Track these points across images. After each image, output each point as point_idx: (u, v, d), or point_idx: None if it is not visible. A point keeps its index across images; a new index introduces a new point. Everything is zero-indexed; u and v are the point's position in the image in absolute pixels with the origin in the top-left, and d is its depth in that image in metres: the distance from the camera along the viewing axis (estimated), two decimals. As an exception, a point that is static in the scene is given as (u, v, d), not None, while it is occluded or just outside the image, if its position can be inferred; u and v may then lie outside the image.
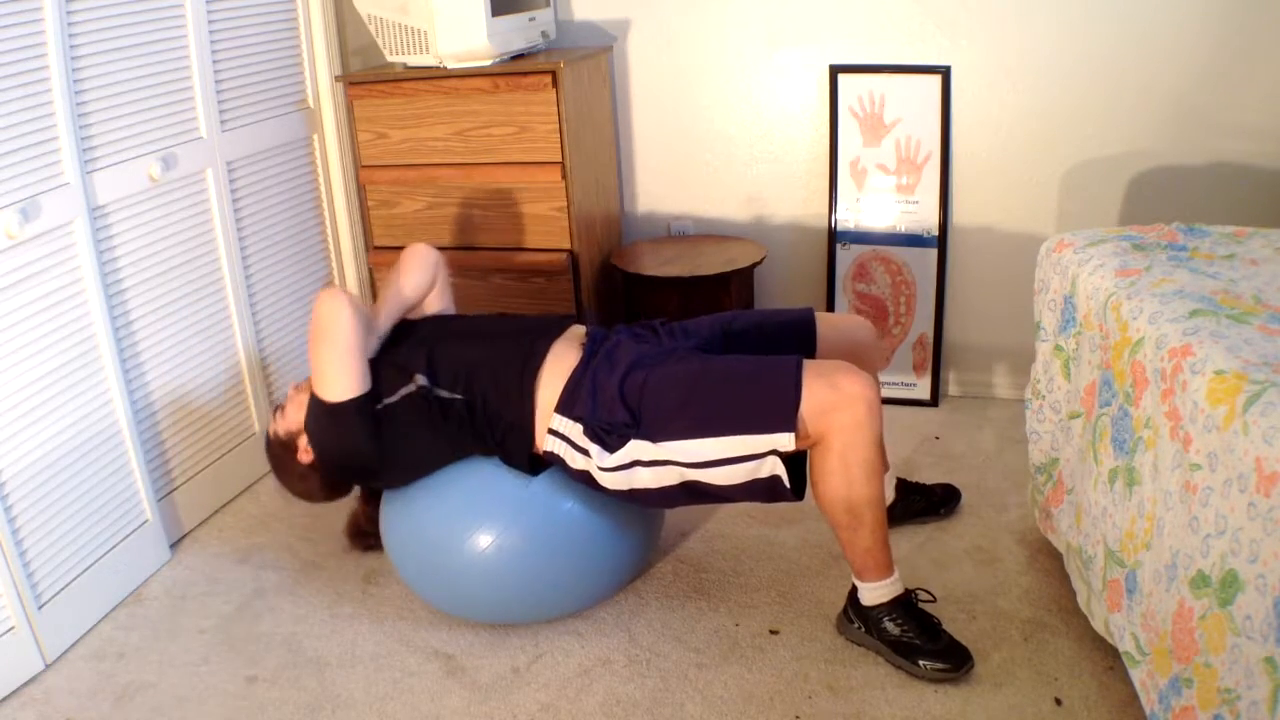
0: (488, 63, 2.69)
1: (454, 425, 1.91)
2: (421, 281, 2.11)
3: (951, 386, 3.03)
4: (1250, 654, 1.25)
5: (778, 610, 2.07)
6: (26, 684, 2.01)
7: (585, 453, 1.83)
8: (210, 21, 2.45)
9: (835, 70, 2.82)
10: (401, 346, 2.01)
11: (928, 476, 2.51)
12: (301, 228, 2.87)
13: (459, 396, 1.90)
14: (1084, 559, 1.82)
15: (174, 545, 2.47)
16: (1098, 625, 1.78)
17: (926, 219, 2.85)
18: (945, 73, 2.73)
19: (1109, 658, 1.84)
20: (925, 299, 2.90)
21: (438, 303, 2.19)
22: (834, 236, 2.94)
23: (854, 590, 1.91)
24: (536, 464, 1.93)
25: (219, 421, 2.60)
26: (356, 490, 2.19)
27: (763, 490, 1.77)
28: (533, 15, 2.79)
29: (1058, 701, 1.77)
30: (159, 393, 2.40)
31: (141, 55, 2.27)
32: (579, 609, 2.08)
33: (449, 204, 2.82)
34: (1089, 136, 2.69)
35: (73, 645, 2.12)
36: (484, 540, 1.90)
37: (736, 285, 2.77)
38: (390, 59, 2.78)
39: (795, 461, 1.78)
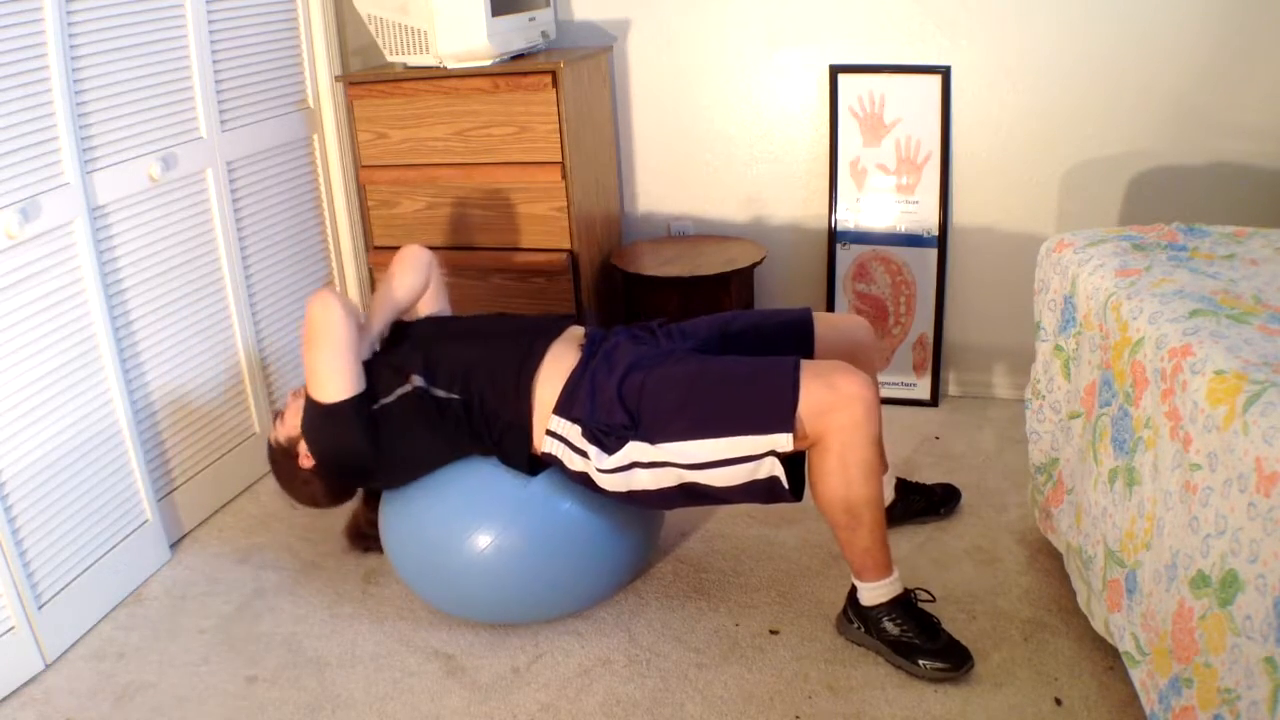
0: (488, 63, 2.69)
1: (451, 425, 1.91)
2: (414, 283, 2.11)
3: (951, 386, 3.03)
4: (1250, 654, 1.25)
5: (778, 610, 2.07)
6: (26, 684, 2.01)
7: (583, 454, 1.83)
8: (210, 21, 2.45)
9: (835, 70, 2.82)
10: (397, 348, 2.01)
11: (928, 476, 2.51)
12: (301, 228, 2.87)
13: (456, 396, 1.90)
14: (1084, 559, 1.82)
15: (174, 545, 2.47)
16: (1098, 625, 1.78)
17: (926, 219, 2.85)
18: (945, 73, 2.73)
19: (1109, 658, 1.84)
20: (925, 299, 2.90)
21: (433, 304, 2.19)
22: (834, 236, 2.94)
23: (853, 590, 1.91)
24: (535, 464, 1.93)
25: (219, 421, 2.60)
26: (360, 493, 2.19)
27: (761, 491, 1.77)
28: (533, 15, 2.79)
29: (1058, 701, 1.77)
30: (159, 393, 2.40)
31: (141, 55, 2.27)
32: (579, 609, 2.08)
33: (449, 204, 2.82)
34: (1089, 136, 2.69)
35: (73, 645, 2.12)
36: (483, 540, 1.90)
37: (736, 285, 2.77)
38: (390, 59, 2.78)
39: (794, 462, 1.78)
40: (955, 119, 2.78)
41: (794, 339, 2.02)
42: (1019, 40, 2.66)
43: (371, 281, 3.04)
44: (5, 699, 1.97)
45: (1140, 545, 1.57)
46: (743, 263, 2.76)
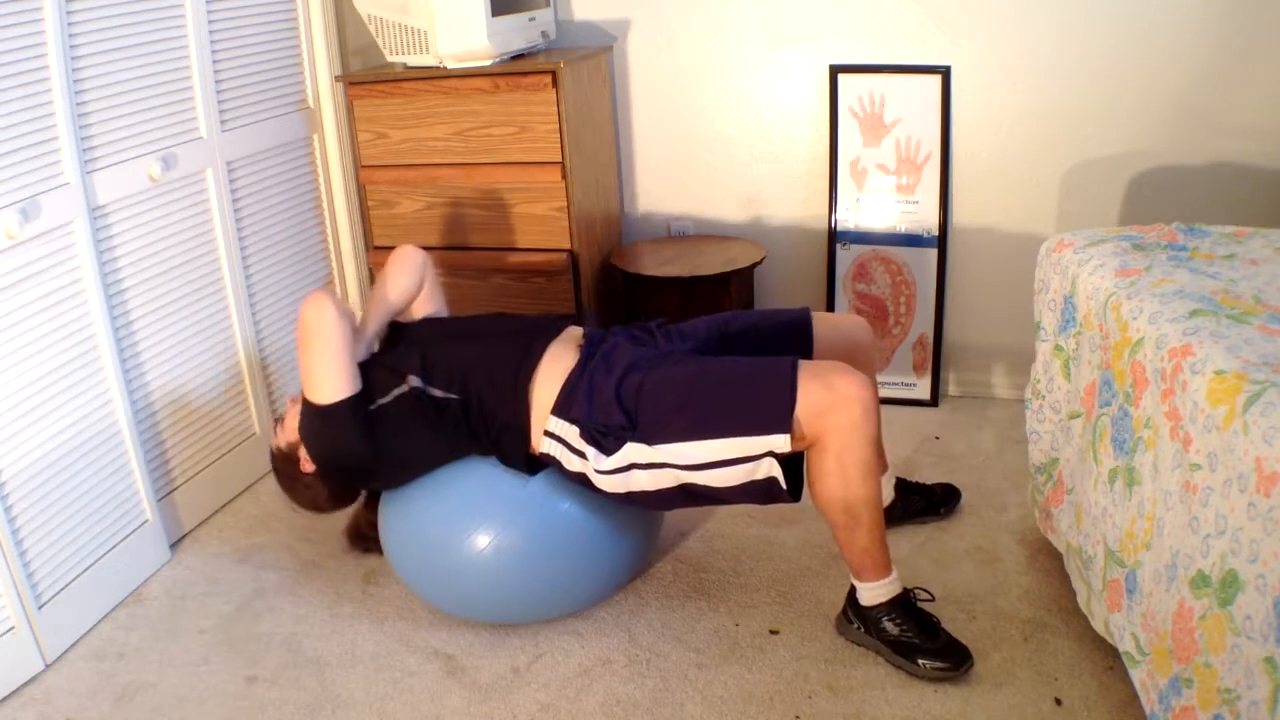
0: (488, 63, 2.69)
1: (450, 425, 1.91)
2: (408, 284, 2.11)
3: (951, 386, 3.03)
4: (1250, 654, 1.25)
5: (778, 610, 2.07)
6: (26, 684, 2.01)
7: (582, 455, 1.83)
8: (210, 21, 2.45)
9: (835, 70, 2.82)
10: (394, 349, 2.01)
11: (928, 476, 2.51)
12: (301, 228, 2.87)
13: (454, 396, 1.90)
14: (1084, 559, 1.82)
15: (174, 545, 2.47)
16: (1098, 625, 1.78)
17: (926, 219, 2.85)
18: (945, 73, 2.73)
19: (1109, 658, 1.84)
20: (925, 299, 2.90)
21: (429, 305, 2.18)
22: (834, 236, 2.94)
23: (853, 590, 1.91)
24: (534, 464, 1.93)
25: (219, 421, 2.60)
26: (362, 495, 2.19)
27: (759, 492, 1.77)
28: (533, 15, 2.79)
29: (1058, 701, 1.77)
30: (159, 393, 2.40)
31: (141, 55, 2.27)
32: (579, 609, 2.08)
33: (449, 204, 2.82)
34: (1089, 136, 2.69)
35: (73, 645, 2.12)
36: (482, 540, 1.90)
37: (736, 285, 2.77)
38: (390, 59, 2.78)
39: (793, 462, 1.78)
40: (955, 119, 2.78)
41: (793, 339, 2.02)
42: (1019, 40, 2.66)
43: (372, 281, 3.05)
44: (5, 699, 1.97)
45: (1140, 545, 1.57)
46: (743, 263, 2.76)
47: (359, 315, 2.16)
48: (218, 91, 2.50)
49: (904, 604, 1.87)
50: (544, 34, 2.87)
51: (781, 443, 1.71)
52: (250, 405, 2.70)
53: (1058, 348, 1.96)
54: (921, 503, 2.32)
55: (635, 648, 2.00)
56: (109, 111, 2.19)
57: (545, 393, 1.87)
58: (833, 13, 2.78)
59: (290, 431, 2.02)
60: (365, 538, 2.22)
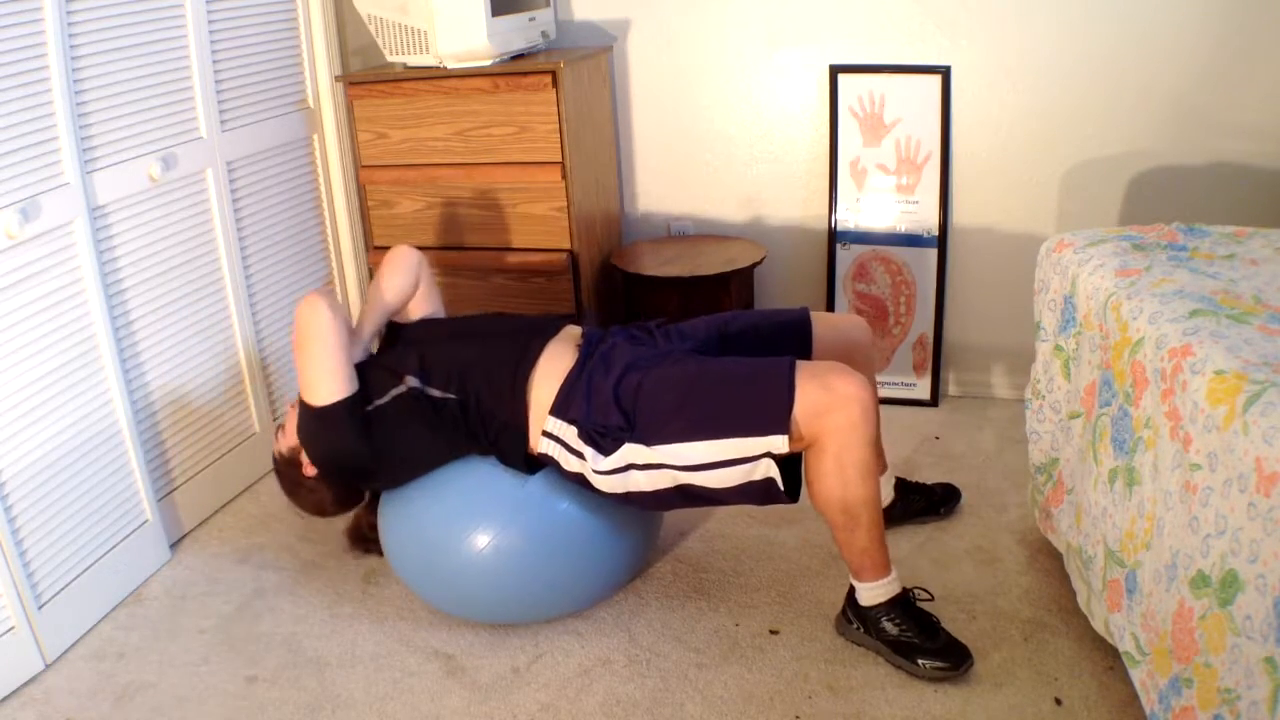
0: (488, 63, 2.69)
1: (449, 425, 1.91)
2: (403, 285, 2.10)
3: (951, 386, 3.03)
4: (1250, 654, 1.25)
5: (778, 610, 2.07)
6: (26, 684, 2.01)
7: (580, 455, 1.83)
8: (210, 21, 2.45)
9: (835, 70, 2.82)
10: (392, 349, 2.01)
11: (928, 476, 2.51)
12: (301, 228, 2.87)
13: (452, 396, 1.90)
14: (1084, 559, 1.82)
15: (174, 545, 2.47)
16: (1098, 625, 1.78)
17: (926, 219, 2.85)
18: (945, 73, 2.73)
19: (1109, 658, 1.84)
20: (925, 299, 2.90)
21: (425, 305, 2.18)
22: (834, 236, 2.94)
23: (852, 590, 1.91)
24: (533, 463, 1.93)
25: (219, 421, 2.60)
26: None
27: (757, 493, 1.77)
28: (533, 15, 2.79)
29: (1058, 701, 1.77)
30: (159, 393, 2.40)
31: (141, 55, 2.26)
32: (578, 609, 2.08)
33: (449, 204, 2.82)
34: (1089, 136, 2.69)
35: (73, 645, 2.12)
36: (481, 540, 1.90)
37: (736, 285, 2.77)
38: (390, 59, 2.78)
39: (791, 462, 1.78)
40: (955, 119, 2.78)
41: (792, 339, 2.02)
42: (1019, 40, 2.66)
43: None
44: (5, 699, 1.97)
45: (1140, 545, 1.57)
46: (743, 263, 2.76)
47: (356, 317, 2.16)
48: (218, 91, 2.50)
49: (903, 604, 1.87)
50: (544, 34, 2.87)
51: (779, 443, 1.71)
52: (250, 405, 2.70)
53: (1058, 348, 1.96)
54: (921, 503, 2.32)
55: (635, 648, 2.00)
56: (109, 111, 2.19)
57: (543, 393, 1.87)
58: (833, 13, 2.79)
59: (291, 436, 2.02)
60: (366, 539, 2.21)
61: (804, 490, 1.82)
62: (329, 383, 1.88)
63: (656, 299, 2.76)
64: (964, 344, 2.97)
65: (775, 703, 1.82)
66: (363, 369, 1.95)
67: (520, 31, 2.74)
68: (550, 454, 1.87)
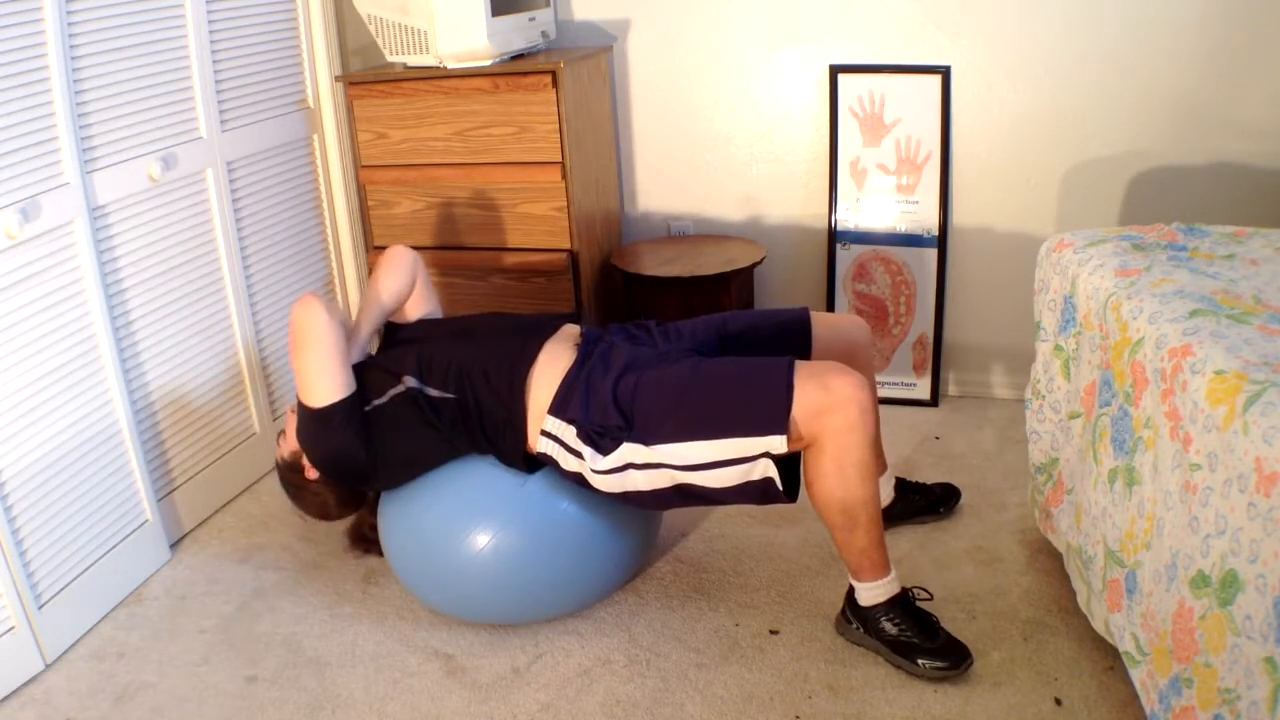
0: (488, 63, 2.69)
1: (447, 424, 1.91)
2: (399, 284, 2.10)
3: (951, 386, 3.03)
4: (1250, 654, 1.25)
5: (778, 610, 2.07)
6: (26, 684, 2.01)
7: (578, 455, 1.83)
8: (210, 21, 2.45)
9: (835, 70, 2.82)
10: (390, 350, 2.01)
11: (928, 476, 2.51)
12: (301, 228, 2.87)
13: (450, 396, 1.90)
14: (1084, 559, 1.82)
15: (174, 545, 2.47)
16: (1098, 625, 1.78)
17: (926, 219, 2.85)
18: (945, 73, 2.73)
19: (1109, 658, 1.84)
20: (925, 299, 2.90)
21: (422, 305, 2.18)
22: (834, 236, 2.94)
23: (851, 590, 1.91)
24: (532, 462, 1.93)
25: (219, 421, 2.60)
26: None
27: (756, 492, 1.77)
28: (533, 15, 2.79)
29: (1058, 701, 1.77)
30: (159, 393, 2.40)
31: (141, 55, 2.27)
32: (578, 609, 2.08)
33: (449, 204, 2.82)
34: (1089, 136, 2.69)
35: (73, 645, 2.12)
36: (481, 540, 1.90)
37: (736, 285, 2.77)
38: (390, 59, 2.78)
39: (790, 462, 1.78)
40: (955, 119, 2.78)
41: (792, 339, 2.02)
42: (1019, 40, 2.66)
43: (371, 281, 3.05)
44: (5, 699, 1.97)
45: (1140, 545, 1.57)
46: (743, 263, 2.76)
47: (353, 317, 2.16)
48: (218, 91, 2.50)
49: (903, 604, 1.87)
50: (544, 34, 2.87)
51: (778, 444, 1.71)
52: (250, 405, 2.70)
53: (1058, 348, 1.96)
54: (921, 502, 2.32)
55: (635, 648, 2.00)
56: (109, 111, 2.19)
57: (542, 392, 1.87)
58: (833, 13, 2.79)
59: (292, 441, 2.02)
60: (366, 539, 2.22)
61: (803, 490, 1.82)
62: (326, 384, 1.88)
63: (656, 299, 2.76)
64: (964, 344, 2.97)
65: (775, 703, 1.82)
66: (361, 370, 1.96)
67: (520, 31, 2.74)
68: (549, 453, 1.87)
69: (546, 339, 1.94)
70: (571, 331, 2.01)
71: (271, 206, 2.74)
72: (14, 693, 1.98)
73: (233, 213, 2.58)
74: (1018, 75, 2.69)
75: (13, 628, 1.98)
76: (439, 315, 2.22)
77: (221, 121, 2.52)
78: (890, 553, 1.90)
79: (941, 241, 2.85)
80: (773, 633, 2.01)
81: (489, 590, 1.95)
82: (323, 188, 2.96)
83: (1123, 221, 2.73)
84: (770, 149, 2.96)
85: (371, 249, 2.94)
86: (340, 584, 2.28)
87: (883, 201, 2.88)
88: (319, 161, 2.93)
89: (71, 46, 2.07)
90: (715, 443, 1.74)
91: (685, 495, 1.82)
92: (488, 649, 2.02)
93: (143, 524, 2.33)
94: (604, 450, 1.80)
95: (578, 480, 1.87)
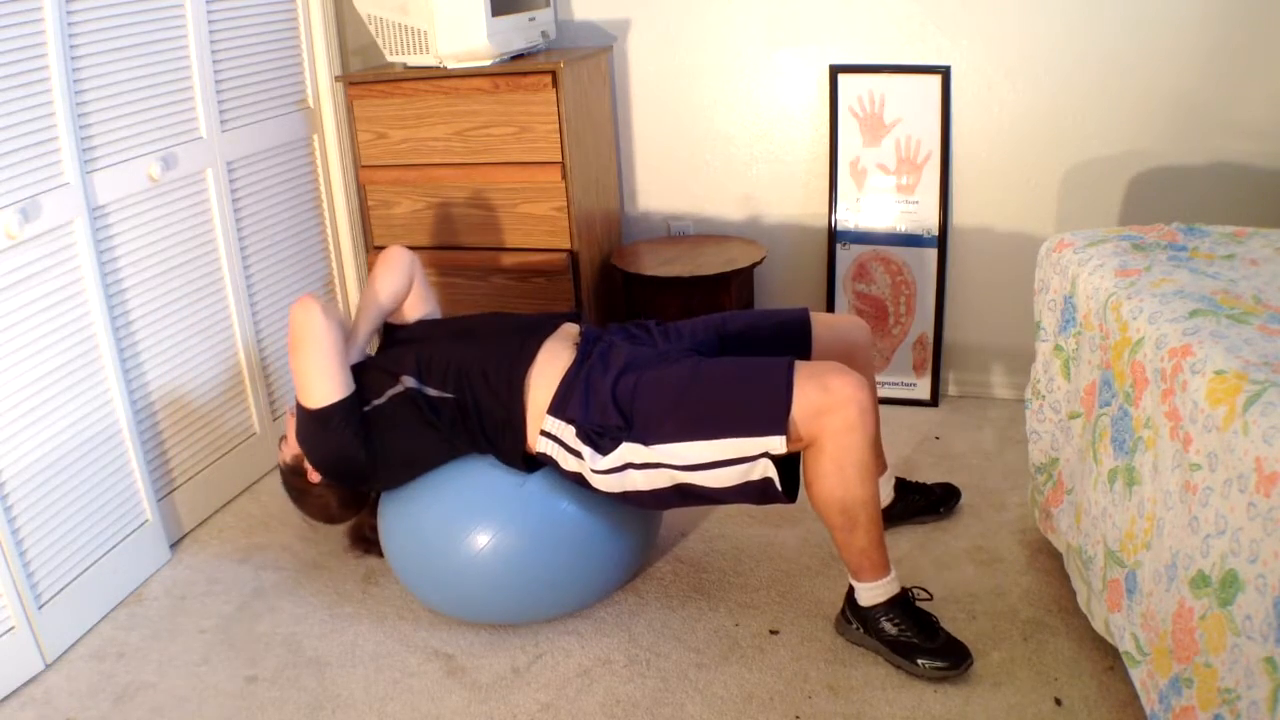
0: (488, 63, 2.69)
1: (446, 424, 1.91)
2: (396, 284, 2.10)
3: (951, 386, 3.03)
4: (1250, 654, 1.25)
5: (778, 610, 2.07)
6: (26, 684, 2.01)
7: (578, 455, 1.83)
8: (210, 21, 2.45)
9: (835, 70, 2.82)
10: (388, 351, 2.01)
11: (928, 476, 2.51)
12: (301, 228, 2.87)
13: (449, 396, 1.90)
14: (1084, 559, 1.82)
15: (174, 545, 2.47)
16: (1098, 625, 1.78)
17: (926, 219, 2.85)
18: (945, 73, 2.73)
19: (1109, 658, 1.84)
20: (925, 299, 2.90)
21: (421, 306, 2.17)
22: (834, 236, 2.94)
23: (851, 590, 1.91)
24: (532, 462, 1.93)
25: (219, 421, 2.60)
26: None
27: (755, 492, 1.77)
28: (533, 15, 2.79)
29: (1058, 701, 1.77)
30: (159, 393, 2.40)
31: (141, 55, 2.27)
32: (578, 609, 2.08)
33: (449, 204, 2.82)
34: (1089, 136, 2.69)
35: (73, 645, 2.12)
36: (480, 540, 1.90)
37: (736, 285, 2.77)
38: (390, 59, 2.78)
39: (790, 462, 1.78)
40: (955, 119, 2.78)
41: (792, 339, 2.02)
42: (1019, 40, 2.66)
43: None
44: (5, 699, 1.97)
45: (1140, 545, 1.57)
46: (743, 263, 2.76)
47: (352, 318, 2.16)
48: (218, 91, 2.50)
49: (902, 604, 1.87)
50: (544, 34, 2.87)
51: (777, 444, 1.71)
52: (250, 405, 2.70)
53: (1058, 348, 1.96)
54: (921, 502, 2.32)
55: (635, 648, 2.00)
56: (109, 111, 2.19)
57: (541, 392, 1.87)
58: (833, 13, 2.79)
59: (293, 445, 2.02)
60: (366, 539, 2.22)
61: (803, 490, 1.82)
62: (324, 385, 1.88)
63: (657, 299, 2.76)
64: (964, 344, 2.97)
65: (775, 703, 1.82)
66: (359, 370, 1.96)
67: (520, 31, 2.74)
68: (548, 453, 1.87)
69: (545, 338, 1.94)
70: (571, 331, 2.01)
71: (271, 206, 2.74)
72: (14, 693, 1.98)
73: (233, 213, 2.58)
74: (1018, 75, 2.69)
75: (13, 628, 1.98)
76: (438, 315, 2.22)
77: (221, 121, 2.52)
78: (890, 553, 1.90)
79: (941, 241, 2.85)
80: (773, 633, 2.01)
81: (489, 590, 1.95)
82: (323, 188, 2.96)
83: (1123, 221, 2.73)
84: (770, 149, 2.96)
85: (371, 249, 2.94)
86: (340, 584, 2.28)
87: (883, 201, 2.88)
88: (319, 161, 2.93)
89: (71, 46, 2.07)
90: (715, 443, 1.74)
91: (685, 495, 1.82)
92: (488, 649, 2.03)
93: (143, 524, 2.33)
94: (603, 450, 1.80)
95: (577, 480, 1.87)
